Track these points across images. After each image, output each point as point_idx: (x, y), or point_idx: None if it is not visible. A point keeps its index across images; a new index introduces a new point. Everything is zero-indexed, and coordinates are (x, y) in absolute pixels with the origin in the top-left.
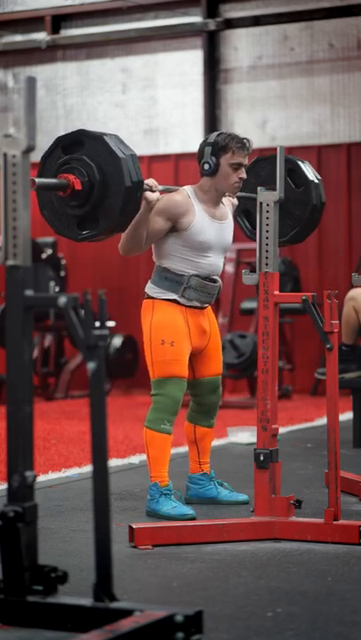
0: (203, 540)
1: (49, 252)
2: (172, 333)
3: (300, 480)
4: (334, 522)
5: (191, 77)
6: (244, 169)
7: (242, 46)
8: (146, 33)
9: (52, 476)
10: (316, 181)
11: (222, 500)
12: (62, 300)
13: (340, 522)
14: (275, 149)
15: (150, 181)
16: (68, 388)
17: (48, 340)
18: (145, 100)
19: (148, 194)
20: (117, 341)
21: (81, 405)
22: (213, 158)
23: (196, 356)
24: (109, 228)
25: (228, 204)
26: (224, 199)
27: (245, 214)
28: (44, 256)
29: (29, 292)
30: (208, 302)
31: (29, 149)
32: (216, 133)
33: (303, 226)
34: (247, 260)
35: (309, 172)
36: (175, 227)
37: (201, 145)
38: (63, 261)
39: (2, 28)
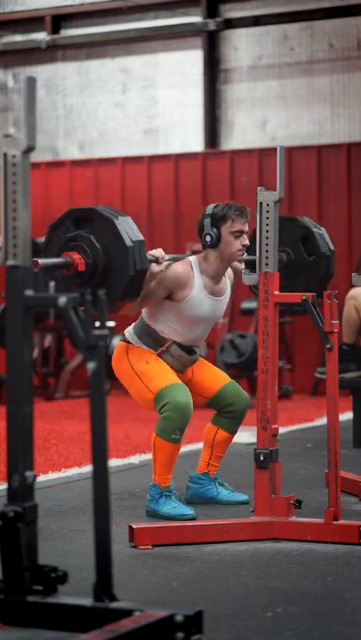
0: (203, 540)
1: None
2: (152, 357)
3: (300, 480)
4: (334, 522)
5: (191, 77)
6: (245, 235)
7: (242, 46)
8: (146, 33)
9: (52, 475)
10: (328, 254)
11: (222, 500)
12: (62, 300)
13: (340, 522)
14: (275, 149)
15: (157, 252)
16: (68, 388)
17: (48, 340)
18: (145, 100)
19: (154, 266)
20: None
21: (81, 405)
22: (214, 229)
23: (192, 384)
24: (110, 307)
25: (231, 274)
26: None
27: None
28: None
29: (29, 292)
30: (179, 371)
31: (29, 149)
32: (213, 205)
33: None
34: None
35: (323, 243)
36: (171, 296)
37: (200, 218)
38: None
39: (2, 28)
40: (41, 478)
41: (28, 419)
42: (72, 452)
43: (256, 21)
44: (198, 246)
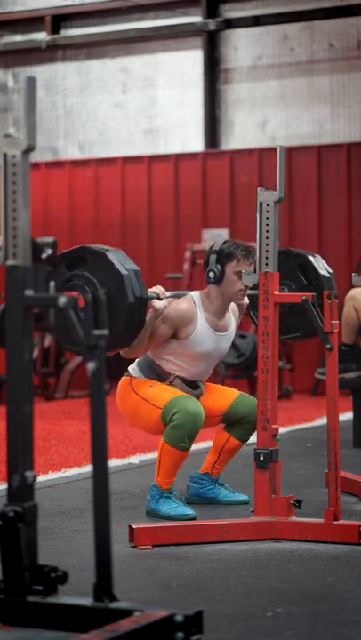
0: (203, 539)
1: (49, 252)
2: (156, 382)
3: (300, 480)
4: (334, 522)
5: (191, 77)
6: None
7: (242, 46)
8: (146, 33)
9: (52, 475)
10: (328, 275)
11: (222, 501)
12: (62, 300)
13: (340, 522)
14: (275, 149)
15: (158, 289)
16: (68, 387)
17: (48, 340)
18: (145, 100)
19: (156, 302)
20: None
21: (81, 405)
22: (219, 266)
23: (202, 401)
24: (115, 343)
25: (235, 309)
26: (231, 304)
27: (257, 309)
28: (44, 256)
29: (29, 292)
30: None
31: (29, 149)
32: (221, 241)
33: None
34: None
35: (320, 266)
36: (176, 334)
37: (207, 253)
38: None
39: (2, 28)
40: (41, 478)
41: (28, 419)
42: (72, 452)
43: (256, 21)
44: (197, 247)
